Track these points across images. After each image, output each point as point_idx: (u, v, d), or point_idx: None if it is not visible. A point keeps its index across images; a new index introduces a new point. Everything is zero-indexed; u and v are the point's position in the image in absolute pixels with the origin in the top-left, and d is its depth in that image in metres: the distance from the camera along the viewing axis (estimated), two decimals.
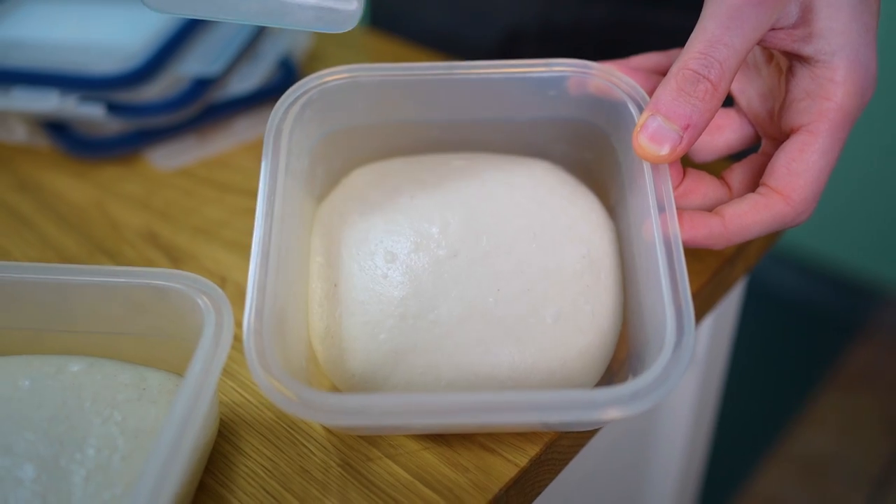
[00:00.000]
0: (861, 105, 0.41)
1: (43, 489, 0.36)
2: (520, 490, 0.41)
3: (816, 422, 1.63)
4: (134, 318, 0.41)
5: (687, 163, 0.46)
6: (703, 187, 0.44)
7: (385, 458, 0.41)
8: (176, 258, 0.53)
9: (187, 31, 0.64)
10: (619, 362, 0.43)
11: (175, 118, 0.61)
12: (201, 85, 0.62)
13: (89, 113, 0.59)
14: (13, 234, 0.55)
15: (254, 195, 0.57)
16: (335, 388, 0.43)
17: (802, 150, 0.41)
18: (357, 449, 0.41)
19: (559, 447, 0.42)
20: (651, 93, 0.42)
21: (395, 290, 0.41)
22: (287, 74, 0.67)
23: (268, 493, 0.40)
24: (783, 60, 0.44)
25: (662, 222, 0.39)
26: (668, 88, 0.40)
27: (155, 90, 0.61)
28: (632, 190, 0.43)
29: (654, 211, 0.39)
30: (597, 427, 0.42)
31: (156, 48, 0.61)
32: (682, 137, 0.39)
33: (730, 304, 0.65)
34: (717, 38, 0.39)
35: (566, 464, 0.44)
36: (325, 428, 0.43)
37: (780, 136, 0.44)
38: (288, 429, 0.43)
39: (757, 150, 0.47)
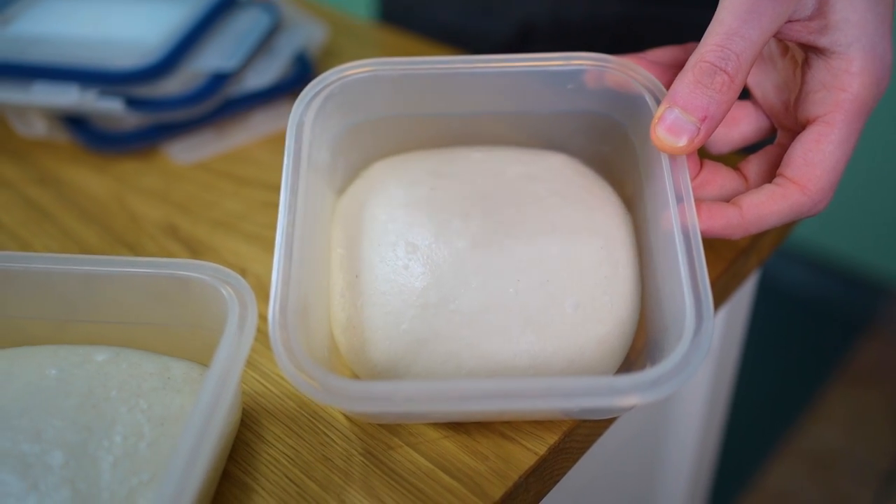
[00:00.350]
0: (877, 96, 0.42)
1: (72, 475, 0.36)
2: (538, 478, 0.42)
3: (825, 417, 1.63)
4: (158, 309, 0.42)
5: (703, 154, 0.46)
6: (720, 178, 0.45)
7: (406, 446, 0.42)
8: (196, 250, 0.54)
9: (204, 27, 0.64)
10: (637, 351, 0.43)
11: (193, 112, 0.62)
12: (219, 80, 0.62)
13: (109, 107, 0.59)
14: (34, 226, 0.56)
15: (272, 188, 0.58)
16: (357, 378, 0.44)
17: (819, 141, 0.41)
18: (378, 438, 0.42)
19: (577, 436, 0.43)
20: (668, 86, 0.43)
21: (416, 281, 0.41)
22: (303, 69, 0.68)
23: (290, 480, 0.41)
24: (798, 53, 0.44)
25: (681, 212, 0.39)
26: (685, 81, 0.40)
27: (173, 85, 0.61)
28: (649, 182, 0.43)
29: (672, 201, 0.40)
30: (616, 415, 0.43)
31: (174, 43, 0.61)
32: (699, 129, 0.40)
33: (743, 298, 0.66)
34: (733, 30, 0.39)
35: (584, 452, 0.45)
36: (346, 417, 0.43)
37: (796, 128, 0.44)
38: (310, 418, 0.43)
39: (772, 142, 0.47)
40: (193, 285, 0.40)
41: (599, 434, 0.45)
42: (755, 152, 0.47)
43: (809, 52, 0.42)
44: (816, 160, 0.41)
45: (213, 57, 0.63)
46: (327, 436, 0.42)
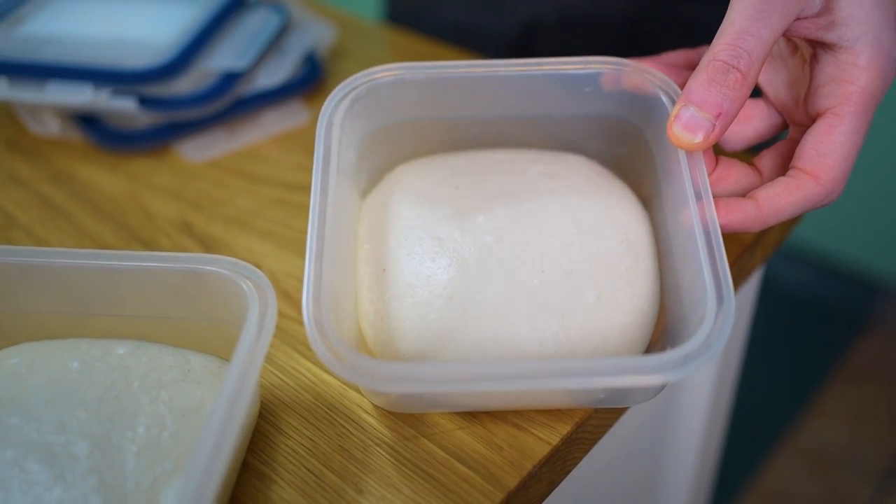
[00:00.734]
0: (884, 88, 0.43)
1: (97, 464, 0.37)
2: (552, 468, 0.42)
3: (824, 415, 1.64)
4: (177, 303, 0.43)
5: (718, 151, 0.47)
6: (736, 173, 0.46)
7: (421, 437, 0.42)
8: (210, 247, 0.54)
9: (215, 27, 0.65)
10: (654, 343, 0.44)
11: (205, 111, 0.62)
12: (230, 79, 0.63)
13: (122, 106, 0.60)
14: (50, 223, 0.57)
15: (284, 186, 0.59)
16: None
17: (829, 132, 0.43)
18: (394, 429, 0.43)
19: (588, 426, 0.44)
20: (682, 86, 0.44)
21: (443, 273, 0.42)
22: (312, 69, 0.69)
23: (308, 470, 0.41)
24: (807, 50, 0.45)
25: (700, 208, 0.40)
26: (699, 79, 0.41)
27: (185, 84, 0.62)
28: (667, 179, 0.44)
29: (691, 198, 0.41)
30: (638, 401, 0.43)
31: (186, 43, 0.62)
32: (714, 125, 0.41)
33: (747, 295, 0.66)
34: (744, 29, 0.40)
35: (595, 443, 0.45)
36: (363, 409, 0.44)
37: (807, 122, 0.45)
38: (326, 410, 0.44)
39: (784, 138, 0.49)
40: (213, 280, 0.41)
41: (610, 425, 0.46)
42: (768, 147, 0.48)
43: (818, 48, 0.44)
44: (828, 150, 0.43)
45: (225, 56, 0.64)
46: (344, 427, 0.43)
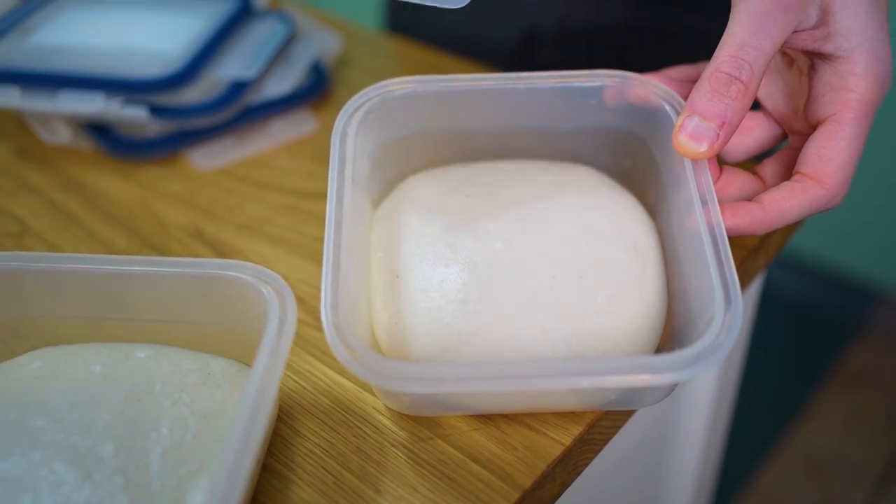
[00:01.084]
0: (881, 96, 0.44)
1: (123, 465, 0.38)
2: (564, 467, 0.43)
3: (819, 419, 1.66)
4: (196, 307, 0.43)
5: (721, 162, 0.49)
6: (739, 181, 0.47)
7: (437, 438, 0.43)
8: (223, 253, 0.55)
9: (223, 36, 0.66)
10: (661, 346, 0.45)
11: (214, 120, 0.63)
12: (238, 88, 0.64)
13: (133, 115, 0.61)
14: (63, 230, 0.57)
15: (293, 193, 0.60)
16: None
17: (831, 138, 0.44)
18: (410, 430, 0.44)
19: (600, 427, 0.45)
20: (684, 98, 0.45)
21: (455, 278, 0.43)
22: (318, 78, 0.70)
23: (327, 471, 0.42)
24: (803, 62, 0.47)
25: (706, 212, 0.42)
26: (702, 90, 0.42)
27: (194, 93, 0.63)
28: (673, 187, 0.45)
29: (697, 202, 0.42)
30: (649, 403, 0.44)
31: (195, 52, 0.63)
32: (718, 134, 0.42)
33: (748, 300, 0.68)
34: (745, 42, 0.42)
35: (605, 444, 0.46)
36: (378, 411, 0.45)
37: (808, 130, 0.46)
38: (343, 413, 0.45)
39: (783, 147, 0.50)
40: (233, 284, 0.42)
41: (620, 426, 0.47)
42: (769, 156, 0.49)
43: (815, 59, 0.45)
44: (831, 156, 0.44)
45: (233, 66, 0.65)
46: (360, 429, 0.44)
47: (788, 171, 0.47)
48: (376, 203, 0.50)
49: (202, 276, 0.42)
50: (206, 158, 0.64)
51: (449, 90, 0.48)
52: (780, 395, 1.69)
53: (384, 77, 0.48)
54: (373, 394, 0.46)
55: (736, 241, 0.54)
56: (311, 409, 0.45)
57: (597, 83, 0.48)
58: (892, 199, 1.64)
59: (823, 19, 0.43)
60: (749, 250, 0.54)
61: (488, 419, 0.44)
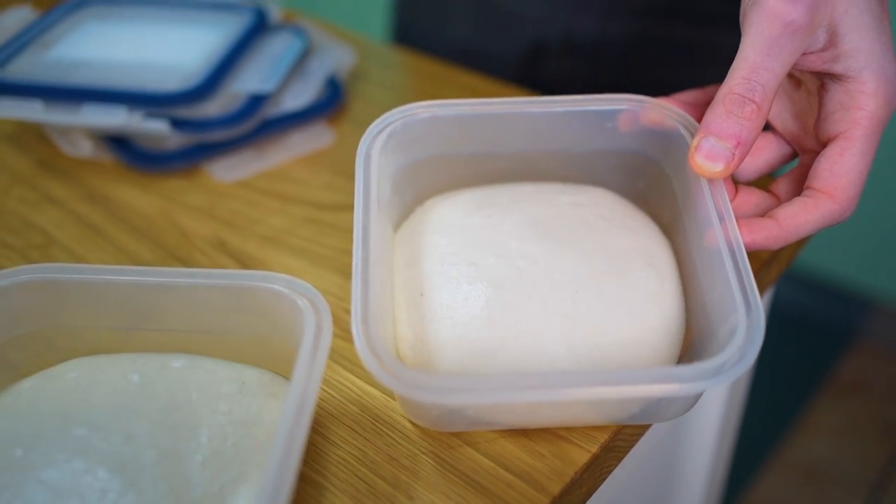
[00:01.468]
0: (889, 113, 0.46)
1: (165, 473, 0.39)
2: (591, 474, 0.44)
3: (814, 428, 1.67)
4: (229, 318, 0.44)
5: (735, 182, 0.50)
6: (755, 199, 0.49)
7: (466, 445, 0.44)
8: (247, 264, 0.56)
9: (241, 50, 0.67)
10: (680, 360, 0.46)
11: (234, 133, 0.64)
12: (257, 101, 0.65)
13: (155, 128, 0.62)
14: (88, 242, 0.58)
15: (314, 205, 0.61)
16: None
17: (842, 154, 0.45)
18: (439, 439, 0.45)
19: (624, 435, 0.46)
20: (697, 121, 0.47)
21: (479, 295, 0.44)
22: (334, 91, 0.71)
23: (360, 478, 0.43)
24: (811, 82, 0.49)
25: (724, 228, 0.43)
26: (717, 112, 0.44)
27: (214, 107, 0.64)
28: (689, 207, 0.47)
29: (715, 219, 0.43)
30: (670, 417, 0.45)
31: (214, 66, 0.64)
32: (734, 154, 0.44)
33: None
34: (758, 64, 0.43)
35: (628, 451, 0.47)
36: (406, 418, 0.46)
37: (818, 148, 0.48)
38: (372, 421, 0.46)
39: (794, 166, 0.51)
40: (267, 296, 0.43)
41: (642, 433, 0.48)
42: (782, 175, 0.50)
43: (825, 79, 0.47)
44: (842, 171, 0.45)
45: (251, 80, 0.66)
46: (391, 437, 0.45)
47: (801, 188, 0.48)
48: (396, 225, 0.51)
49: (236, 287, 0.43)
50: (226, 171, 0.65)
51: (469, 114, 0.49)
52: (775, 403, 1.71)
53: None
54: None
55: (750, 254, 0.55)
56: (341, 418, 0.46)
57: (611, 106, 0.49)
58: (884, 208, 1.66)
59: (832, 41, 0.45)
60: (763, 262, 0.55)
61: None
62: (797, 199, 0.46)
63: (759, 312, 0.39)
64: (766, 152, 0.52)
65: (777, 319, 1.89)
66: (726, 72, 0.45)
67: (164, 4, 0.74)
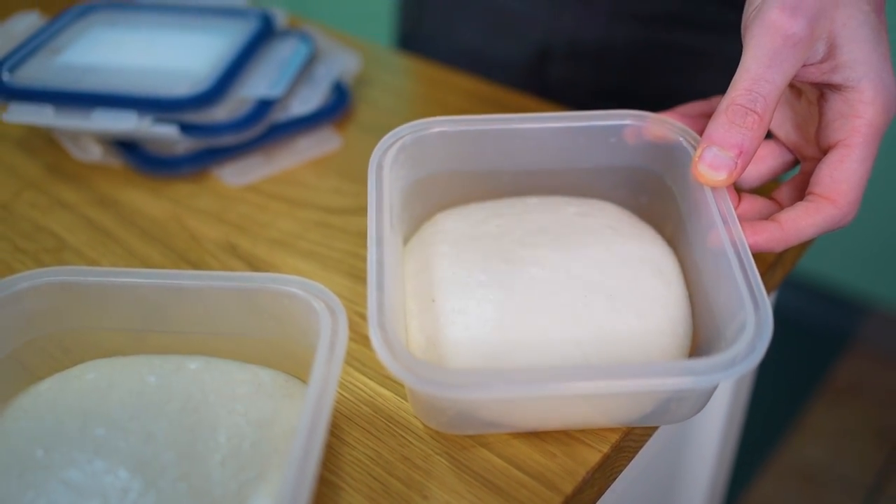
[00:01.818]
0: (887, 121, 0.47)
1: (185, 472, 0.39)
2: (602, 474, 0.45)
3: (810, 432, 1.68)
4: (245, 320, 0.45)
5: (738, 189, 0.51)
6: (759, 206, 0.50)
7: (479, 446, 0.45)
8: (258, 268, 0.57)
9: (248, 55, 0.68)
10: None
11: (242, 137, 0.65)
12: (265, 106, 0.65)
13: (165, 133, 0.62)
14: (100, 246, 0.59)
15: (322, 209, 0.61)
16: None
17: (842, 161, 0.47)
18: (452, 439, 0.45)
19: (633, 435, 0.46)
20: (699, 133, 0.49)
21: (491, 298, 0.45)
22: (340, 97, 0.71)
23: (374, 478, 0.44)
24: (811, 92, 0.50)
25: (728, 230, 0.44)
26: (719, 122, 0.45)
27: (222, 112, 0.64)
28: (691, 217, 0.48)
29: (719, 221, 0.44)
30: (681, 417, 0.46)
31: (222, 71, 0.65)
32: (736, 163, 0.45)
33: None
34: (759, 76, 0.45)
35: (637, 451, 0.48)
36: (419, 419, 0.46)
37: (819, 155, 0.49)
38: (385, 422, 0.46)
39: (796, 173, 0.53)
40: (283, 298, 0.43)
41: (650, 435, 0.48)
42: (784, 182, 0.52)
43: (825, 89, 0.48)
44: (842, 177, 0.47)
45: (259, 85, 0.66)
46: (404, 438, 0.46)
47: (802, 195, 0.49)
48: (406, 239, 0.52)
49: (251, 289, 0.43)
50: (235, 175, 0.65)
51: (477, 130, 0.50)
52: (773, 407, 1.72)
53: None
54: None
55: (755, 257, 0.56)
56: (354, 419, 0.47)
57: (615, 122, 0.51)
58: (880, 214, 1.67)
59: (830, 53, 0.46)
60: (769, 264, 0.56)
61: None
62: (799, 203, 0.48)
63: (766, 308, 0.40)
64: (769, 160, 0.53)
65: (774, 324, 1.90)
66: (728, 77, 0.46)
67: (171, 10, 0.74)
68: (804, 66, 0.46)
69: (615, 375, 0.38)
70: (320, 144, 0.68)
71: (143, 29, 0.72)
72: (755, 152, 0.45)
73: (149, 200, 0.63)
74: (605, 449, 0.45)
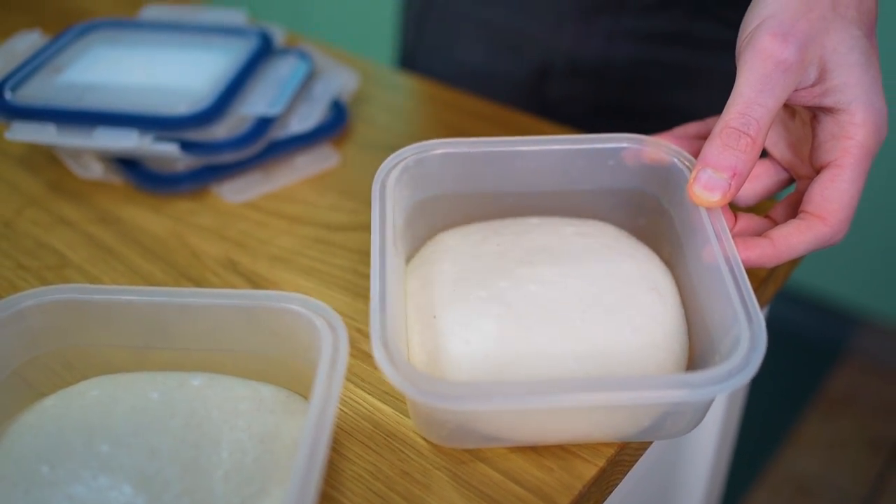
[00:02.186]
0: (878, 142, 0.48)
1: (189, 487, 0.40)
2: (598, 487, 0.46)
3: (804, 444, 1.69)
4: (246, 337, 0.46)
5: (734, 208, 0.53)
6: (754, 224, 0.52)
7: (477, 461, 0.46)
8: (258, 284, 0.57)
9: (247, 74, 0.69)
10: None
11: (242, 155, 0.66)
12: (264, 124, 0.66)
13: (166, 151, 0.63)
14: (101, 263, 0.59)
15: (321, 226, 0.62)
16: None
17: (833, 180, 0.48)
18: (451, 454, 0.46)
19: (629, 449, 0.47)
20: (694, 154, 0.50)
21: (492, 315, 0.46)
22: (338, 114, 0.72)
23: (374, 493, 0.44)
24: (805, 114, 0.52)
25: (721, 246, 0.45)
26: (713, 145, 0.47)
27: (223, 129, 0.65)
28: (688, 235, 0.49)
29: (713, 239, 0.46)
30: (679, 430, 0.47)
31: (222, 90, 0.66)
32: (730, 184, 0.46)
33: None
34: (752, 100, 0.46)
35: (632, 465, 0.49)
36: (417, 434, 0.47)
37: (813, 174, 0.51)
38: (385, 437, 0.47)
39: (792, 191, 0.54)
40: (284, 316, 0.44)
41: (646, 448, 0.49)
42: (779, 201, 0.53)
43: (817, 112, 0.49)
44: (833, 196, 0.48)
45: (259, 102, 0.67)
46: (404, 453, 0.46)
47: (797, 212, 0.50)
48: (408, 258, 0.53)
49: (253, 306, 0.44)
50: (235, 192, 0.66)
51: (479, 152, 0.51)
52: (766, 419, 1.72)
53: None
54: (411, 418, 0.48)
55: (749, 272, 0.57)
56: (354, 434, 0.47)
57: (613, 145, 0.52)
58: (873, 229, 1.69)
59: (822, 77, 0.48)
60: (761, 280, 0.57)
61: None
62: (792, 221, 0.49)
63: (760, 322, 0.41)
64: (765, 178, 0.54)
65: (768, 337, 1.91)
66: (724, 93, 0.48)
67: (171, 28, 0.75)
68: (797, 90, 0.48)
69: (612, 388, 0.39)
70: (319, 162, 0.69)
71: (144, 47, 0.73)
72: (749, 173, 0.47)
73: (150, 217, 0.64)
74: (601, 463, 0.45)
